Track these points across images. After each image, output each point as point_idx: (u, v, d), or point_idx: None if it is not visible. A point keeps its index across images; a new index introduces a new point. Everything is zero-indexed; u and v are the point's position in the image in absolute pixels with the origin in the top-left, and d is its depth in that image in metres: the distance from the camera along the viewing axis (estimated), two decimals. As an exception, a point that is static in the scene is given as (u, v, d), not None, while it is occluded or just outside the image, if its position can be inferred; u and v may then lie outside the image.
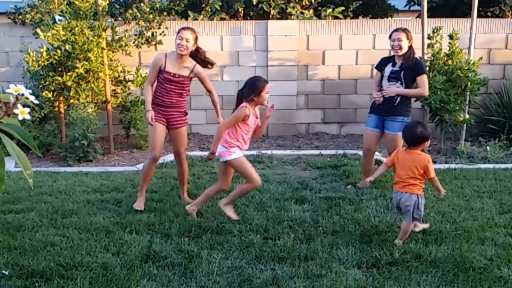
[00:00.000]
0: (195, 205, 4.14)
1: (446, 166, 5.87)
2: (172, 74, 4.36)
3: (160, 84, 4.41)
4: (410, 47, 4.77)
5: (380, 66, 4.96)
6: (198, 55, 4.48)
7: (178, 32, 4.34)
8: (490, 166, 5.95)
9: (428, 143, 3.64)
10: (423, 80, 4.76)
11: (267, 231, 3.77)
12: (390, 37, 4.82)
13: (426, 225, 3.77)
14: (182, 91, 4.43)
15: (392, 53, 4.89)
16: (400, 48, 4.71)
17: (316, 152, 6.83)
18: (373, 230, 3.79)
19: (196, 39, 4.39)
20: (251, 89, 3.89)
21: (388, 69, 4.83)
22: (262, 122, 4.06)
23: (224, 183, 4.12)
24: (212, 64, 4.58)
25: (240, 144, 3.95)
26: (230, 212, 4.02)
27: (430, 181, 3.61)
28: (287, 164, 6.17)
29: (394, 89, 4.75)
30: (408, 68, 4.72)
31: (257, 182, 3.97)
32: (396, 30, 4.80)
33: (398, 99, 4.74)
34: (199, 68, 4.43)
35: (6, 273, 3.03)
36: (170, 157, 6.02)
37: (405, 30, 4.76)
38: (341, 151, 6.72)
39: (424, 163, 3.54)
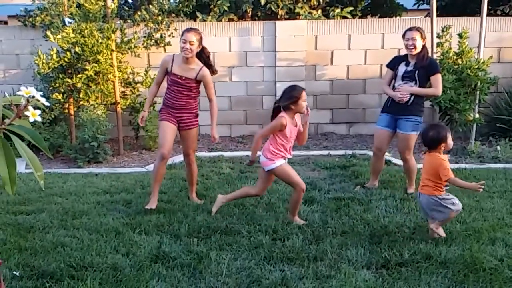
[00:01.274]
0: (227, 199, 4.22)
1: (456, 166, 5.83)
2: (178, 77, 4.34)
3: (169, 86, 4.42)
4: (424, 46, 4.70)
5: (393, 65, 4.90)
6: (203, 55, 4.41)
7: (182, 35, 4.26)
8: (501, 165, 5.90)
9: (446, 145, 3.61)
10: (437, 79, 4.70)
11: (276, 231, 3.77)
12: (403, 36, 4.74)
13: (442, 234, 3.66)
14: (190, 93, 4.39)
15: (406, 52, 4.81)
16: (414, 48, 4.65)
17: (325, 152, 6.82)
18: (383, 231, 3.77)
19: (200, 39, 4.31)
20: (288, 98, 3.86)
21: (402, 68, 4.77)
22: (302, 129, 4.03)
23: (261, 190, 4.14)
24: (213, 71, 4.46)
25: (282, 154, 3.94)
26: (299, 221, 4.01)
27: (450, 183, 3.58)
28: (296, 164, 6.16)
29: (408, 88, 4.70)
30: (422, 67, 4.67)
31: (302, 186, 3.95)
32: (410, 29, 4.71)
33: (412, 98, 4.70)
34: (205, 71, 4.36)
35: (17, 274, 3.06)
36: (179, 158, 6.05)
37: (419, 29, 4.68)
38: (350, 152, 6.70)
39: (435, 166, 3.56)
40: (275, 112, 3.94)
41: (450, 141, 3.63)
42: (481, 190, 3.59)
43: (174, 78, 4.35)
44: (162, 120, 4.43)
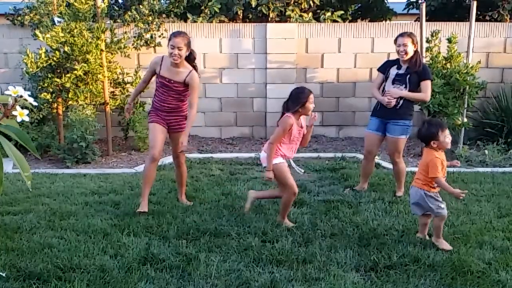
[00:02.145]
0: (258, 196, 4.27)
1: (444, 169, 5.87)
2: (167, 79, 4.26)
3: (158, 88, 4.34)
4: (416, 51, 4.72)
5: (384, 68, 4.91)
6: (190, 57, 4.30)
7: (170, 39, 4.15)
8: (488, 169, 5.96)
9: (438, 143, 3.53)
10: (427, 85, 4.73)
11: (265, 234, 3.76)
12: (395, 41, 4.76)
13: (448, 247, 3.55)
14: (180, 95, 4.31)
15: (397, 57, 4.83)
16: (406, 54, 4.67)
17: (315, 155, 6.83)
18: (371, 233, 3.79)
19: (189, 43, 4.21)
20: (296, 101, 3.87)
21: (394, 71, 4.79)
22: (306, 131, 4.03)
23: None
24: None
25: (282, 153, 3.94)
26: (288, 223, 4.00)
27: (435, 182, 3.53)
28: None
29: (397, 91, 4.72)
30: (415, 72, 4.69)
31: (294, 189, 3.94)
32: (401, 35, 4.72)
33: (401, 102, 4.72)
34: (194, 75, 4.25)
35: (3, 275, 3.02)
36: (169, 159, 6.02)
37: (410, 35, 4.69)
38: (339, 154, 6.72)
39: (426, 161, 3.55)
40: (284, 114, 3.94)
41: (443, 139, 3.54)
42: (461, 197, 3.58)
43: (163, 80, 4.28)
44: (152, 122, 4.37)
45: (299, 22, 8.18)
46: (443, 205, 3.59)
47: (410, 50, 4.68)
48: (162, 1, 7.99)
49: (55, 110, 6.87)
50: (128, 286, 2.93)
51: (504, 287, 2.98)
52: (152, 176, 4.40)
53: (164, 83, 4.27)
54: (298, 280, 3.04)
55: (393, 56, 4.99)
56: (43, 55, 6.49)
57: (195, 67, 4.36)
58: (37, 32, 6.57)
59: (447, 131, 3.59)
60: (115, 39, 6.97)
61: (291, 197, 3.97)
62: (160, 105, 4.34)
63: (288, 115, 3.87)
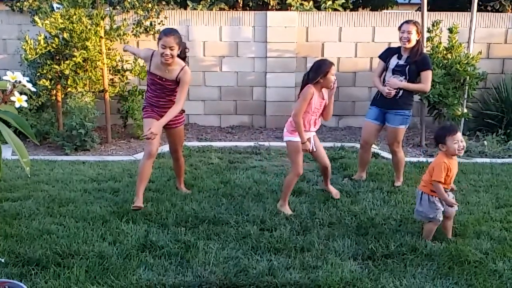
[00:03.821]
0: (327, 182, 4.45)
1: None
2: (158, 77, 4.11)
3: (150, 85, 4.21)
4: (418, 41, 4.70)
5: (385, 56, 4.88)
6: (181, 53, 4.13)
7: (160, 38, 3.93)
8: (487, 160, 5.96)
9: (446, 148, 3.43)
10: (427, 75, 4.70)
11: (263, 222, 3.78)
12: (399, 28, 4.72)
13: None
14: (173, 92, 4.15)
15: (400, 45, 4.78)
16: (409, 41, 4.64)
17: (314, 144, 6.83)
18: (369, 223, 3.80)
19: (180, 41, 4.03)
20: (317, 72, 3.90)
21: (394, 61, 4.76)
22: (327, 102, 4.07)
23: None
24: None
25: (304, 128, 3.98)
26: (287, 210, 4.03)
27: (434, 186, 3.43)
28: (285, 155, 6.16)
29: (396, 81, 4.70)
30: (414, 62, 4.67)
31: (299, 170, 4.01)
32: (407, 22, 4.69)
33: (401, 92, 4.70)
34: (187, 71, 4.09)
35: (2, 260, 3.04)
36: (167, 147, 6.02)
37: (416, 23, 4.66)
38: (338, 144, 6.72)
39: (433, 164, 3.49)
40: (304, 85, 3.97)
41: (450, 144, 3.40)
42: (453, 207, 3.52)
43: (154, 78, 4.13)
44: (147, 117, 4.21)
45: (300, 11, 8.13)
46: (432, 215, 3.48)
47: (414, 38, 4.64)
48: (162, -12, 7.94)
49: (54, 97, 6.85)
50: (126, 272, 2.95)
51: (501, 277, 3.00)
52: (148, 173, 4.18)
53: (156, 81, 4.14)
54: (296, 268, 3.06)
55: (395, 46, 4.95)
56: (42, 42, 6.45)
57: (184, 60, 4.18)
58: (36, 18, 6.52)
59: (457, 137, 3.42)
60: (114, 26, 6.93)
61: (294, 177, 4.03)
62: (154, 101, 4.22)
63: (309, 86, 3.89)
